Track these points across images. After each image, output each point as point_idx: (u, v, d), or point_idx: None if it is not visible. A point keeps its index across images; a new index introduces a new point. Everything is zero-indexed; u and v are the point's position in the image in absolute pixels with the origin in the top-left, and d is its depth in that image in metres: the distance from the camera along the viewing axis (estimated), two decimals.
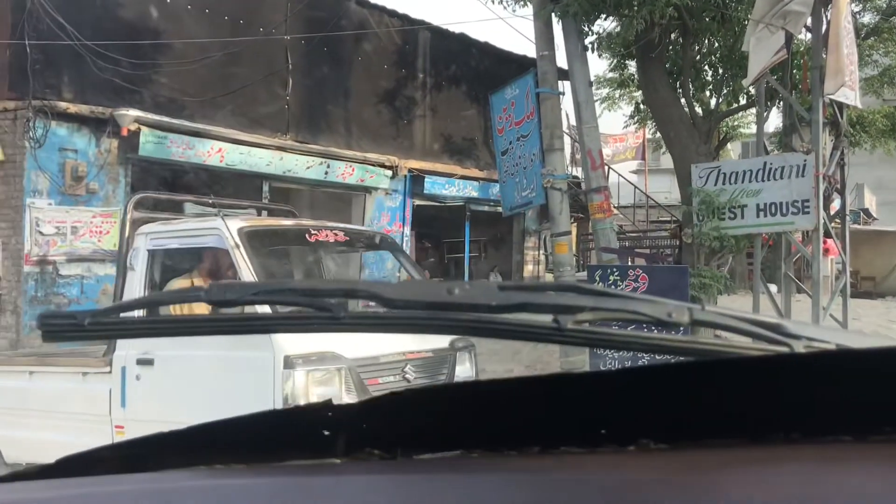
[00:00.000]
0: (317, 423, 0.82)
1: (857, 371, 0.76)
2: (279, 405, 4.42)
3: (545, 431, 0.85)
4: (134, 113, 10.35)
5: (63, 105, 10.02)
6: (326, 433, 0.82)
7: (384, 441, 0.83)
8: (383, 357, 5.05)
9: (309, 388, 4.59)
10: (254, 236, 5.15)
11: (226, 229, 4.99)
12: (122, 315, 0.79)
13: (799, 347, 0.82)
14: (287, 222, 6.00)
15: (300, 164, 12.51)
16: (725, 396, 0.79)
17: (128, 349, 5.13)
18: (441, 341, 5.61)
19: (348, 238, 5.99)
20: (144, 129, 10.44)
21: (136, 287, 5.30)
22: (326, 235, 5.69)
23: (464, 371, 5.89)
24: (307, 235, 5.61)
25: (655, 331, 0.83)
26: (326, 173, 12.91)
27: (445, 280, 15.26)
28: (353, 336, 4.34)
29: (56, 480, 0.80)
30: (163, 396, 4.98)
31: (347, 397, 4.70)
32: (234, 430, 0.83)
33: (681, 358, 0.85)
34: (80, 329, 0.72)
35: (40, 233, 9.75)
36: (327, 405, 0.82)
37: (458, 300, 0.77)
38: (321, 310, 0.76)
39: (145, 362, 5.07)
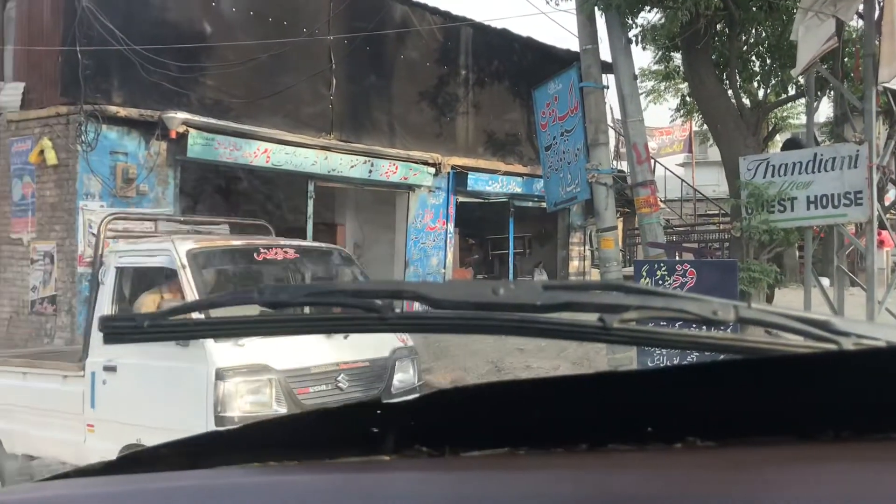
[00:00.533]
0: (366, 420, 0.83)
1: None
2: (211, 411, 4.99)
3: (592, 429, 0.85)
4: (182, 115, 10.54)
5: (113, 109, 10.25)
6: (376, 431, 0.84)
7: (432, 438, 0.85)
8: (315, 368, 5.44)
9: (238, 397, 5.08)
10: (200, 257, 5.61)
11: (174, 250, 5.53)
12: (178, 317, 0.81)
13: (848, 345, 0.81)
14: (237, 242, 6.42)
15: (344, 164, 12.61)
16: (773, 394, 0.79)
17: (97, 356, 5.68)
18: (381, 350, 5.95)
19: (299, 255, 6.40)
20: (192, 132, 10.63)
21: (105, 300, 5.86)
22: (276, 253, 6.11)
23: (404, 379, 6.18)
24: (255, 254, 6.05)
25: (702, 329, 0.83)
26: (370, 172, 13.00)
27: (489, 277, 15.29)
28: (287, 348, 5.19)
29: (120, 476, 0.83)
30: (123, 399, 5.53)
31: (277, 406, 5.15)
32: (286, 428, 0.85)
33: (727, 356, 0.85)
34: (140, 331, 0.75)
35: (93, 234, 9.99)
36: (377, 403, 0.83)
37: (503, 300, 0.78)
38: (369, 310, 0.78)
39: (110, 369, 5.61)
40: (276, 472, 0.81)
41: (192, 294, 5.28)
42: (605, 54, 8.35)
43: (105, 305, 5.81)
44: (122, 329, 0.76)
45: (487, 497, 0.77)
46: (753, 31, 9.27)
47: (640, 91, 11.41)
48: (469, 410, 0.85)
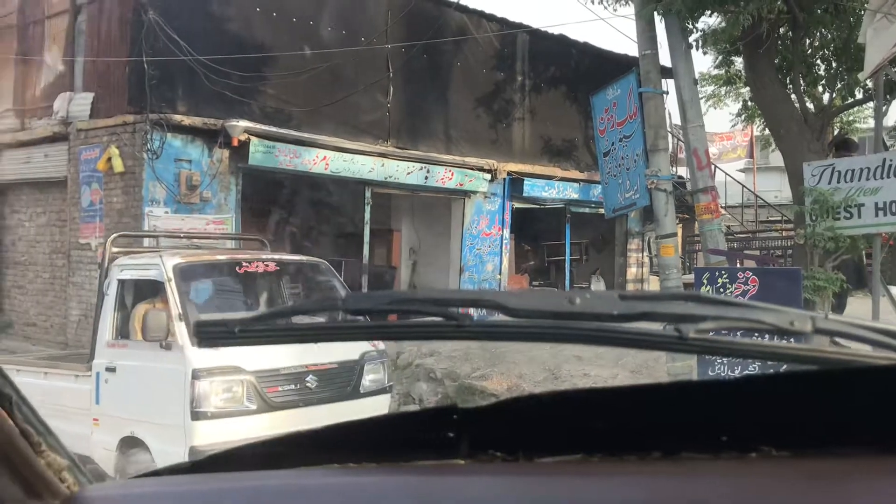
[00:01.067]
0: (442, 425, 0.85)
1: None
2: (188, 407, 5.54)
3: (666, 437, 0.86)
4: (244, 124, 10.77)
5: (178, 118, 10.53)
6: (451, 435, 0.86)
7: (506, 444, 0.86)
8: (284, 369, 5.91)
9: (212, 395, 5.61)
10: (186, 271, 6.15)
11: (162, 265, 6.07)
12: (268, 322, 0.85)
13: None
14: (221, 256, 6.97)
15: (401, 170, 12.71)
16: (850, 405, 0.79)
17: (101, 358, 6.34)
18: (351, 353, 6.36)
19: (279, 268, 7.00)
20: (254, 139, 10.85)
21: (108, 310, 6.45)
22: (257, 266, 6.66)
23: (374, 380, 6.59)
24: (237, 267, 6.62)
25: (777, 339, 0.83)
26: (426, 178, 13.07)
27: (545, 284, 15.13)
28: (260, 351, 5.50)
29: (207, 475, 0.87)
30: (120, 396, 6.14)
31: (247, 402, 5.71)
32: (365, 431, 0.88)
33: (802, 366, 0.84)
34: (232, 336, 0.78)
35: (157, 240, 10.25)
36: (452, 408, 0.85)
37: (580, 310, 0.79)
38: (448, 318, 0.80)
39: (111, 369, 6.23)
40: (356, 474, 0.83)
41: (176, 305, 5.82)
42: (665, 59, 8.26)
43: (108, 314, 6.44)
44: (214, 334, 0.80)
45: (561, 502, 0.78)
46: (818, 33, 9.06)
47: (700, 96, 11.25)
48: (542, 417, 0.87)
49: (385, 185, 12.93)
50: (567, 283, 16.29)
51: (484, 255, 14.40)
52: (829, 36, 9.05)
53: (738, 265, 8.02)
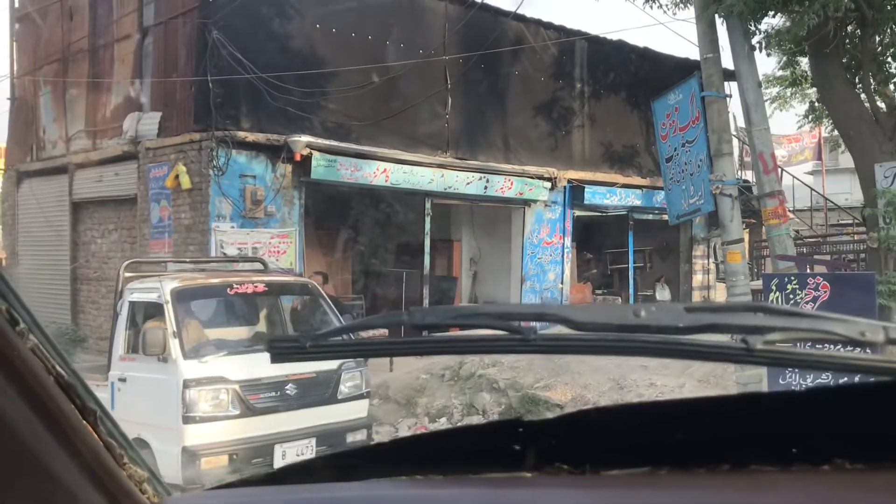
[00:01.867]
0: (508, 437, 0.86)
1: None
2: (180, 412, 6.32)
3: (734, 449, 0.85)
4: (305, 139, 10.96)
5: (242, 134, 10.78)
6: (517, 448, 0.86)
7: (573, 456, 0.87)
8: (265, 379, 6.62)
9: (201, 401, 6.41)
10: (182, 293, 6.96)
11: (161, 288, 6.88)
12: (337, 339, 0.87)
13: None
14: (214, 280, 7.67)
15: (460, 180, 12.76)
16: None
17: (115, 370, 7.15)
18: (330, 364, 6.91)
19: (268, 288, 7.70)
20: (315, 154, 11.03)
21: (121, 329, 7.22)
22: (247, 287, 7.40)
23: (352, 387, 7.26)
24: (229, 289, 7.38)
25: (848, 349, 0.81)
26: (486, 188, 13.09)
27: (608, 292, 14.97)
28: (245, 363, 6.49)
29: (282, 486, 0.89)
30: (130, 403, 6.81)
31: (232, 408, 6.49)
32: (433, 443, 0.89)
33: (875, 377, 0.82)
34: (303, 351, 0.81)
35: (224, 254, 10.50)
36: (517, 421, 0.86)
37: (645, 322, 0.79)
38: (513, 332, 0.81)
39: (123, 380, 7.03)
40: (425, 486, 0.85)
41: (172, 324, 6.60)
42: (727, 62, 8.12)
43: (121, 331, 7.23)
44: (287, 350, 0.83)
45: None
46: (888, 30, 8.78)
47: (764, 98, 11.01)
48: (609, 430, 0.87)
49: (445, 196, 12.99)
50: (631, 290, 16.09)
51: (545, 265, 14.32)
52: None
53: (808, 270, 7.81)
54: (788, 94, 16.58)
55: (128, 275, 7.53)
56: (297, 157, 10.92)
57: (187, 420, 6.35)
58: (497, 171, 13.28)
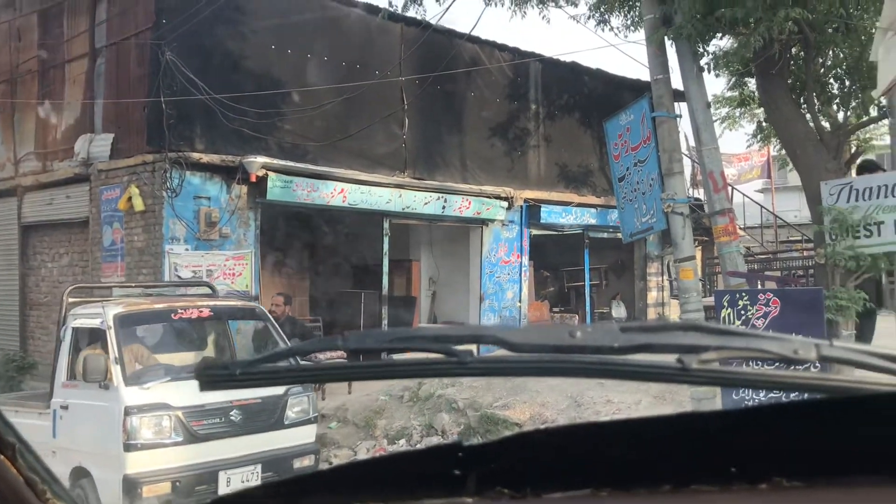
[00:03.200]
0: (449, 462, 0.85)
1: None
2: (121, 440, 6.19)
3: (674, 469, 0.85)
4: (261, 159, 10.89)
5: (196, 155, 10.66)
6: (457, 473, 0.85)
7: (515, 480, 0.86)
8: (209, 405, 6.53)
9: (142, 428, 6.28)
10: (125, 318, 6.86)
11: (104, 313, 6.77)
12: (269, 365, 0.86)
13: None
14: (158, 305, 7.58)
15: (418, 201, 12.78)
16: (859, 434, 0.78)
17: (57, 397, 7.03)
18: (276, 389, 6.88)
19: (213, 313, 7.62)
20: (271, 175, 10.96)
21: (63, 355, 7.09)
22: (192, 313, 7.35)
23: (299, 412, 7.20)
24: (173, 314, 7.32)
25: (783, 367, 0.82)
26: (444, 208, 13.13)
27: (566, 310, 15.04)
28: (188, 389, 6.21)
29: None
30: (72, 431, 6.78)
31: (174, 435, 6.37)
32: (374, 469, 0.88)
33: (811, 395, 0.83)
34: (233, 378, 0.79)
35: (178, 277, 10.35)
36: (458, 445, 0.85)
37: (581, 343, 0.79)
38: (449, 355, 0.80)
39: (65, 407, 6.90)
40: None
41: (114, 350, 6.49)
42: (677, 82, 8.28)
43: (63, 358, 7.11)
44: (217, 377, 0.81)
45: None
46: (830, 52, 9.04)
47: (714, 118, 11.23)
48: (552, 451, 0.86)
49: (403, 216, 12.99)
50: (588, 308, 16.22)
51: (504, 283, 14.38)
52: (841, 55, 9.02)
53: (759, 286, 7.95)
54: (737, 114, 16.93)
55: (71, 300, 7.46)
56: (253, 178, 10.83)
57: (128, 448, 6.23)
58: (454, 191, 13.33)
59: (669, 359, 0.80)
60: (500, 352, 0.82)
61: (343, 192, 11.79)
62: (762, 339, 0.80)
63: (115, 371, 6.44)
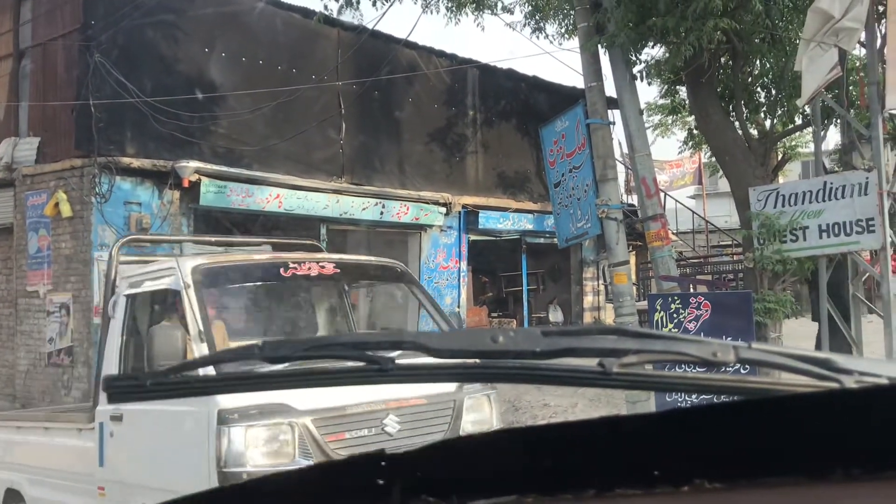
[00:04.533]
0: (371, 472, 0.83)
1: None
2: (213, 466, 4.01)
3: (599, 474, 0.85)
4: (194, 164, 10.68)
5: (126, 160, 10.39)
6: (381, 482, 0.84)
7: (440, 488, 0.85)
8: (353, 407, 4.28)
9: (249, 447, 4.03)
10: (210, 275, 4.63)
11: (178, 269, 4.56)
12: (183, 374, 0.82)
13: (849, 383, 0.81)
14: (261, 256, 5.41)
15: (356, 206, 12.70)
16: (778, 434, 0.79)
17: (105, 404, 4.71)
18: (445, 386, 4.68)
19: (339, 270, 5.16)
20: (205, 180, 10.76)
21: (115, 335, 4.94)
22: (309, 268, 4.93)
23: (477, 421, 4.93)
24: (283, 270, 4.88)
25: (703, 370, 0.83)
26: (382, 213, 13.08)
27: (504, 315, 15.12)
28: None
29: None
30: (129, 454, 4.69)
31: (301, 457, 4.07)
32: (292, 482, 0.86)
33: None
34: (144, 390, 0.76)
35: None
36: (381, 454, 0.83)
37: (503, 348, 0.78)
38: (370, 362, 0.79)
39: (118, 418, 4.66)
40: None
41: (194, 319, 4.35)
42: (611, 90, 8.42)
43: (115, 342, 4.91)
44: (126, 388, 0.77)
45: None
46: (757, 62, 9.33)
47: (647, 125, 11.47)
48: (476, 458, 0.85)
49: (340, 222, 12.89)
50: (525, 313, 16.35)
51: (442, 289, 14.39)
52: (768, 65, 9.32)
53: (691, 290, 8.14)
54: (669, 121, 17.35)
55: (124, 258, 5.36)
56: (186, 184, 10.61)
57: (226, 478, 3.96)
58: (393, 197, 13.30)
59: (592, 363, 0.80)
60: (420, 357, 0.80)
61: (279, 197, 11.65)
62: (682, 342, 0.81)
63: (201, 352, 4.27)
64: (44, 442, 5.70)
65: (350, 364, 0.79)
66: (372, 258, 6.56)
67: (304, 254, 5.67)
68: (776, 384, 0.82)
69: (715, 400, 0.87)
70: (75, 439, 5.23)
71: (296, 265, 4.96)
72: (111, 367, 4.90)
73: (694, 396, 6.06)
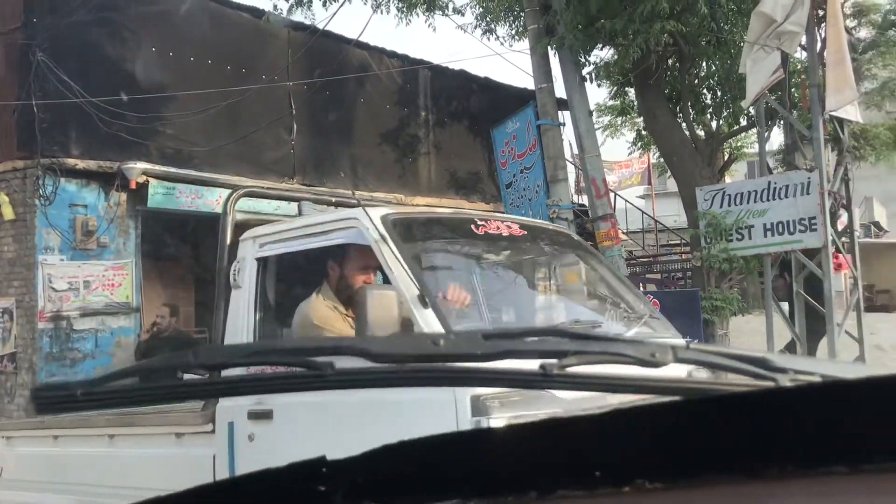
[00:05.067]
0: (312, 478, 0.82)
1: (845, 402, 0.77)
2: None
3: (541, 475, 0.85)
4: (142, 165, 10.47)
5: (71, 162, 10.15)
6: (322, 489, 0.83)
7: (383, 493, 0.84)
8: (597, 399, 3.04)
9: None
10: (403, 226, 3.75)
11: (367, 219, 3.58)
12: (116, 384, 0.79)
13: (784, 381, 0.82)
14: (443, 210, 4.69)
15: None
16: (716, 433, 0.80)
17: (237, 398, 3.66)
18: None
19: (525, 233, 4.40)
20: (153, 181, 10.56)
21: (243, 309, 3.93)
22: (497, 227, 4.17)
23: None
24: (473, 226, 4.06)
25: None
26: None
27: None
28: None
29: None
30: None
31: None
32: (228, 492, 0.84)
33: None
34: (74, 400, 0.73)
35: (53, 289, 9.83)
36: (321, 460, 0.82)
37: (444, 351, 0.78)
38: (310, 368, 0.78)
39: (260, 416, 3.62)
40: None
41: (409, 279, 3.40)
42: (561, 91, 8.50)
43: (245, 317, 3.91)
44: (54, 399, 0.75)
45: None
46: (704, 64, 9.51)
47: (597, 126, 11.59)
48: (418, 463, 0.85)
49: None
50: None
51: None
52: (714, 67, 9.50)
53: (640, 288, 8.24)
54: (619, 122, 17.55)
55: (241, 217, 4.39)
56: (133, 185, 10.40)
57: None
58: (346, 198, 13.19)
59: (534, 364, 0.80)
60: (361, 362, 0.80)
61: None
62: (621, 343, 0.82)
63: (425, 318, 3.27)
64: (110, 454, 4.45)
65: (288, 371, 0.78)
66: (548, 223, 5.70)
67: (477, 212, 4.88)
68: (714, 384, 0.83)
69: (655, 400, 0.88)
70: (172, 447, 4.04)
71: (483, 221, 4.15)
72: None
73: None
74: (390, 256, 3.45)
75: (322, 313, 3.83)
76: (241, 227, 4.05)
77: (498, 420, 2.98)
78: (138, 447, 4.29)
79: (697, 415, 0.80)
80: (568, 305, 4.47)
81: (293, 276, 4.27)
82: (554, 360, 0.78)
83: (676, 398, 0.84)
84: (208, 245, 12.80)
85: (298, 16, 11.13)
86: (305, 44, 12.53)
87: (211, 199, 11.26)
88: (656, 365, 0.81)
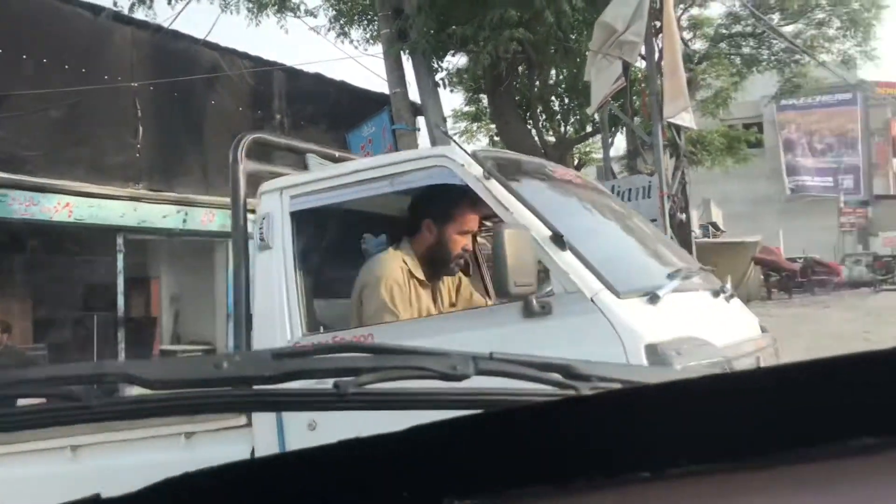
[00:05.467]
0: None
1: (647, 407, 0.77)
2: None
3: (348, 499, 0.81)
4: None
5: None
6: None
7: None
8: (746, 343, 3.16)
9: None
10: (499, 166, 3.08)
11: (462, 155, 2.97)
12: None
13: (585, 389, 0.82)
14: (524, 157, 3.87)
15: (156, 214, 12.06)
16: (519, 446, 0.78)
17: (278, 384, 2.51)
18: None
19: (584, 182, 3.96)
20: None
21: (276, 272, 3.24)
22: (567, 176, 3.77)
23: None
24: (550, 170, 3.64)
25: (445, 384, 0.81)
26: (185, 221, 12.49)
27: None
28: (705, 308, 3.14)
29: None
30: None
31: None
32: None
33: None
34: None
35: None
36: (97, 499, 0.75)
37: (228, 374, 0.72)
38: (70, 399, 0.69)
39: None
40: None
41: (527, 214, 2.82)
42: (416, 96, 8.54)
43: (277, 281, 3.22)
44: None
45: None
46: (552, 72, 9.81)
47: (452, 131, 11.73)
48: (201, 497, 0.79)
49: (139, 231, 12.17)
50: None
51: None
52: (561, 75, 9.82)
53: None
54: (474, 128, 17.87)
55: (252, 167, 3.66)
56: None
57: None
58: (197, 203, 12.73)
59: (328, 384, 0.76)
60: (134, 390, 0.72)
61: (69, 206, 10.82)
62: (420, 356, 0.79)
63: (564, 262, 2.72)
64: (130, 464, 3.13)
65: (43, 404, 0.69)
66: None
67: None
68: (518, 394, 0.81)
69: (456, 414, 0.85)
70: (180, 452, 3.18)
71: (554, 170, 3.67)
72: (282, 325, 3.09)
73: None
74: (504, 196, 2.87)
75: (394, 277, 3.14)
76: None
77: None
78: (152, 451, 3.24)
79: (499, 428, 0.78)
80: (669, 248, 3.93)
81: (339, 228, 3.67)
82: (350, 378, 0.74)
83: (477, 412, 0.81)
84: (47, 256, 12.05)
85: (141, 14, 10.65)
86: (149, 42, 11.99)
87: (48, 207, 10.58)
88: (458, 378, 0.79)
